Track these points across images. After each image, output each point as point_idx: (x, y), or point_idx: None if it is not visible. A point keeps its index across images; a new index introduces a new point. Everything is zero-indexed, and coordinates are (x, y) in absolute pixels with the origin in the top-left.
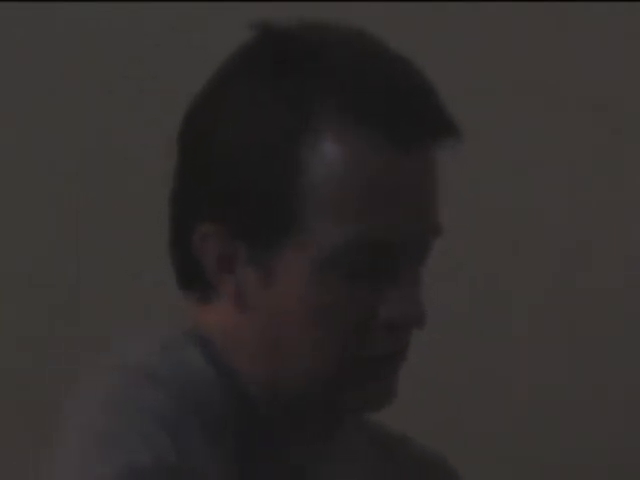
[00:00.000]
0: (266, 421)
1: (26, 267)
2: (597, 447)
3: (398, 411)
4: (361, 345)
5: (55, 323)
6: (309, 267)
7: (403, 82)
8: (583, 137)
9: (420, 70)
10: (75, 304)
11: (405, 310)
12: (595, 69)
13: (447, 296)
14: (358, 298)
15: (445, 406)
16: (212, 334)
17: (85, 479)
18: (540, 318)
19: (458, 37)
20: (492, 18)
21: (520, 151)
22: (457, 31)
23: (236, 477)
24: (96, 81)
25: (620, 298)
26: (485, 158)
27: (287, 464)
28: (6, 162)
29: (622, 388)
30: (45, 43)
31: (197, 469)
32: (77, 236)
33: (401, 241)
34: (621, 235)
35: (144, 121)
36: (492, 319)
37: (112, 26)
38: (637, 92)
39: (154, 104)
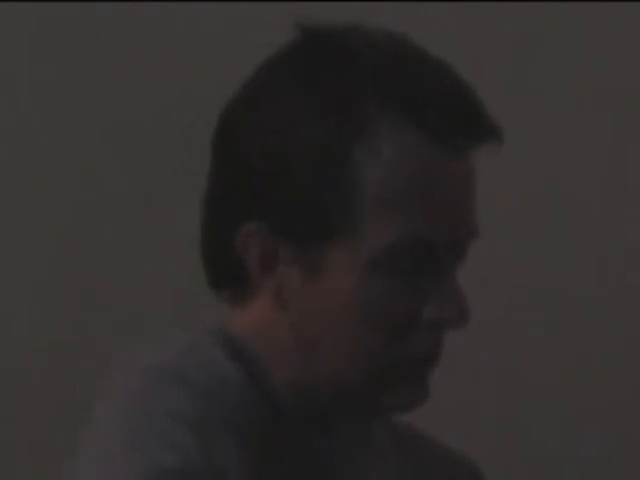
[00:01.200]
0: (293, 423)
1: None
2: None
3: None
4: (403, 345)
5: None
6: (357, 265)
7: (450, 85)
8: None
9: (459, 73)
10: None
11: (449, 309)
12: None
13: None
14: (403, 297)
15: (447, 406)
16: (242, 335)
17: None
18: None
19: (459, 37)
20: (492, 18)
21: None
22: (457, 31)
23: (261, 478)
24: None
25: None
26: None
27: (312, 466)
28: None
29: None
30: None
31: (222, 470)
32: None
33: (446, 241)
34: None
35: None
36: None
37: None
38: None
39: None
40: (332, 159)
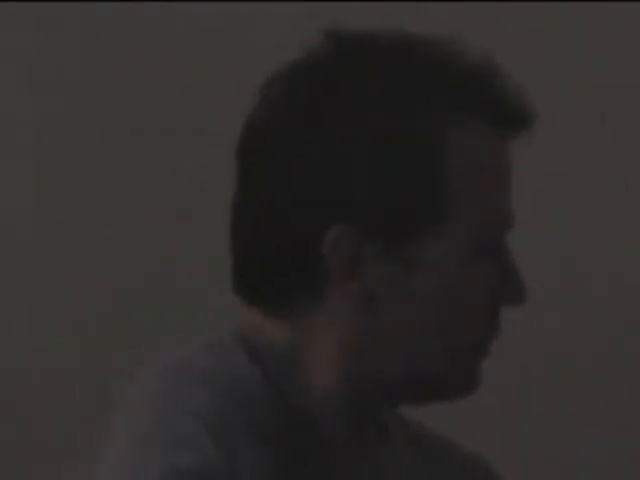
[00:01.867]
0: (316, 427)
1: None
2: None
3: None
4: (496, 328)
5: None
6: (453, 255)
7: (503, 79)
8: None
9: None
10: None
11: (524, 288)
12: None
13: None
14: (495, 280)
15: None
16: (277, 341)
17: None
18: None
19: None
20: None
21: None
22: (457, 31)
23: (280, 479)
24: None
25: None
26: None
27: (333, 467)
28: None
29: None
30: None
31: (240, 470)
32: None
33: (511, 221)
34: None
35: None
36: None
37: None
38: None
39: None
40: (422, 155)
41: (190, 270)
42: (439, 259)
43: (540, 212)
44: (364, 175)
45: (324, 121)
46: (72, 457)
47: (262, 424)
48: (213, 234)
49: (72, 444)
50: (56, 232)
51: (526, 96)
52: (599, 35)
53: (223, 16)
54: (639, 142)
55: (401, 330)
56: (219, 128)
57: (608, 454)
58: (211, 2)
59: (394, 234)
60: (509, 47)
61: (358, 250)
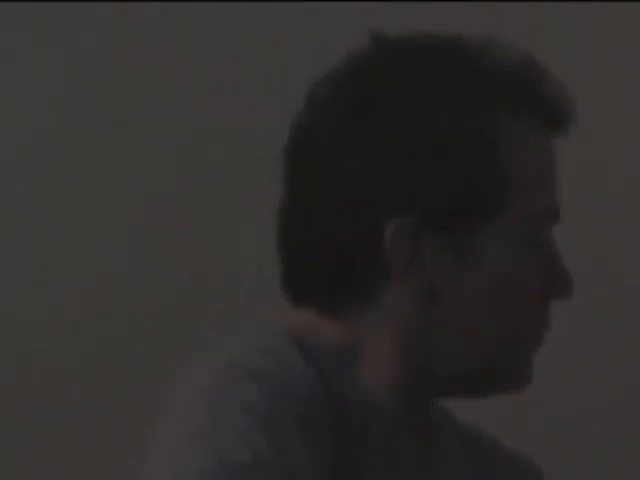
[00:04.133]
0: (370, 428)
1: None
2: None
3: None
4: (547, 320)
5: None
6: (510, 244)
7: (549, 78)
8: None
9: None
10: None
11: (571, 281)
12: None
13: None
14: (545, 272)
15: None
16: (328, 346)
17: (181, 477)
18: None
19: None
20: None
21: None
22: (457, 31)
23: (331, 476)
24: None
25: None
26: None
27: (385, 467)
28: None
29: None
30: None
31: (293, 466)
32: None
33: (560, 216)
34: None
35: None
36: None
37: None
38: None
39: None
40: (478, 151)
41: (191, 270)
42: (496, 250)
43: None
44: (421, 171)
45: (375, 120)
46: (72, 457)
47: (316, 423)
48: (214, 234)
49: (72, 444)
50: (56, 232)
51: (569, 95)
52: (599, 35)
53: (223, 16)
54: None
55: (461, 322)
56: (219, 129)
57: (607, 454)
58: (211, 2)
59: (452, 227)
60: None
61: (418, 244)
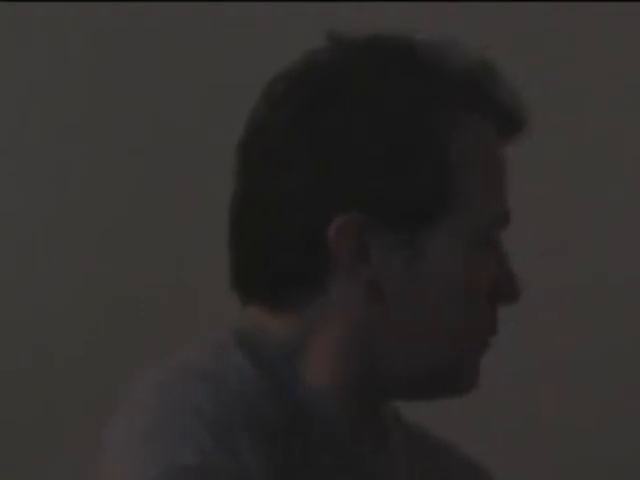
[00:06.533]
0: (320, 426)
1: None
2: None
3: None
4: (495, 323)
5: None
6: (458, 243)
7: (503, 80)
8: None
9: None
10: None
11: (518, 285)
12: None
13: None
14: (492, 273)
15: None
16: (279, 338)
17: (129, 477)
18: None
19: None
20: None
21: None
22: (457, 31)
23: (283, 478)
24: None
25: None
26: None
27: (336, 466)
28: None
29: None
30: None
31: (241, 469)
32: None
33: (509, 219)
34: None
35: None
36: None
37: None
38: None
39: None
40: (428, 149)
41: (193, 270)
42: (442, 251)
43: (537, 211)
44: (368, 169)
45: (326, 117)
46: (72, 456)
47: (265, 425)
48: (212, 235)
49: (72, 444)
50: (56, 232)
51: (523, 98)
52: (598, 35)
53: (224, 17)
54: (637, 141)
55: (407, 323)
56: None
57: (607, 454)
58: (211, 2)
59: (399, 226)
60: (509, 47)
61: (364, 237)
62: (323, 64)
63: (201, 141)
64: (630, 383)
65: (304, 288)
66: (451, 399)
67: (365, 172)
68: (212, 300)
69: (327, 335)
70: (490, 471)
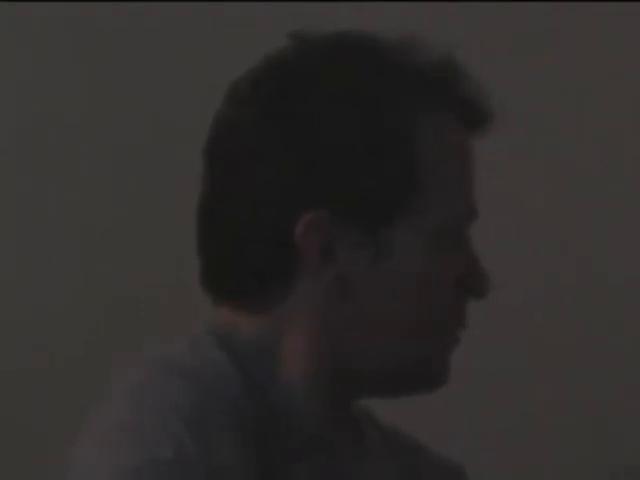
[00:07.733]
0: (296, 425)
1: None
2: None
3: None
4: (464, 318)
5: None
6: (426, 241)
7: (467, 77)
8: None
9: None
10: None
11: (488, 280)
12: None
13: None
14: (460, 270)
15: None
16: (250, 337)
17: (104, 471)
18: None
19: (459, 37)
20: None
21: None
22: (457, 31)
23: (259, 476)
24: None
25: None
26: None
27: (313, 465)
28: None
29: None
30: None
31: (217, 465)
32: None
33: (477, 215)
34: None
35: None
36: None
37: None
38: None
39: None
40: (393, 146)
41: (193, 270)
42: (409, 248)
43: (537, 210)
44: (333, 166)
45: (291, 116)
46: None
47: (242, 422)
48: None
49: (72, 444)
50: (56, 232)
51: (488, 94)
52: (598, 35)
53: (224, 17)
54: (637, 141)
55: (375, 320)
56: None
57: (607, 454)
58: (211, 2)
59: (365, 223)
60: (509, 47)
61: (330, 235)
62: (287, 66)
63: (201, 141)
64: (630, 383)
65: (275, 287)
66: (448, 398)
67: (332, 170)
68: None
69: (297, 334)
70: (463, 468)
